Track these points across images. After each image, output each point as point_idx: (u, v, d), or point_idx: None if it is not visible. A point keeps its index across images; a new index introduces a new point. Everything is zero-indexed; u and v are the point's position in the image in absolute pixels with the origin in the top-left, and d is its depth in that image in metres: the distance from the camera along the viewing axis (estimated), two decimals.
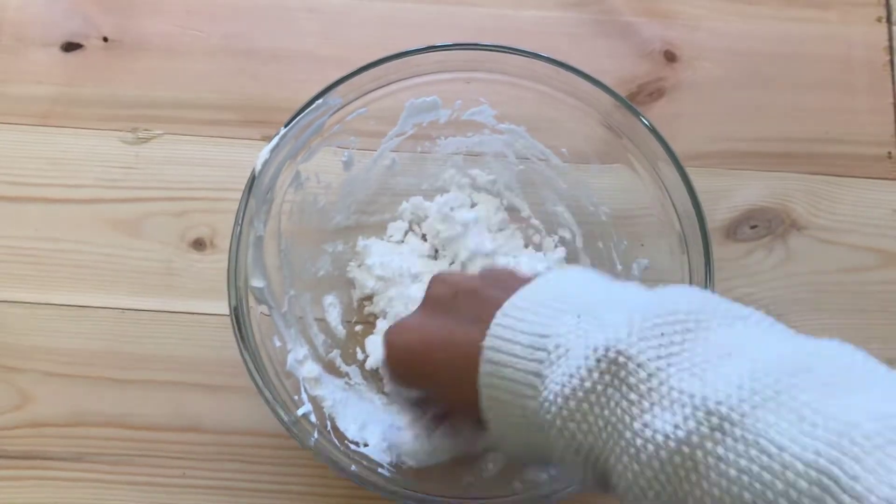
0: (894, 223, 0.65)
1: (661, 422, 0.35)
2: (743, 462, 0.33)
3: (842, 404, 0.33)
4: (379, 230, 0.63)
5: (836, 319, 0.62)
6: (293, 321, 0.58)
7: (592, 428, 0.38)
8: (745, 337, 0.37)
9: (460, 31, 0.68)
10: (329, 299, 0.60)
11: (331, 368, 0.59)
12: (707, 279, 0.53)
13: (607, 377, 0.37)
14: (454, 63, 0.57)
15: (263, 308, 0.55)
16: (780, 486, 0.32)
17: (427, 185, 0.63)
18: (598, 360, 0.37)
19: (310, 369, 0.56)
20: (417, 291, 0.60)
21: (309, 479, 0.58)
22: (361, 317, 0.61)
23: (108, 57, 0.68)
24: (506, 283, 0.45)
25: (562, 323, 0.40)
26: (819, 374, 0.35)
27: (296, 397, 0.54)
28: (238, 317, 0.52)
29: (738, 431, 0.33)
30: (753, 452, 0.33)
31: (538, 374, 0.40)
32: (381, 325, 0.60)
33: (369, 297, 0.61)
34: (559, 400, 0.38)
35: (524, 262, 0.61)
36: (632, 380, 0.36)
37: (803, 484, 0.32)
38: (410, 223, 0.63)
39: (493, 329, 0.42)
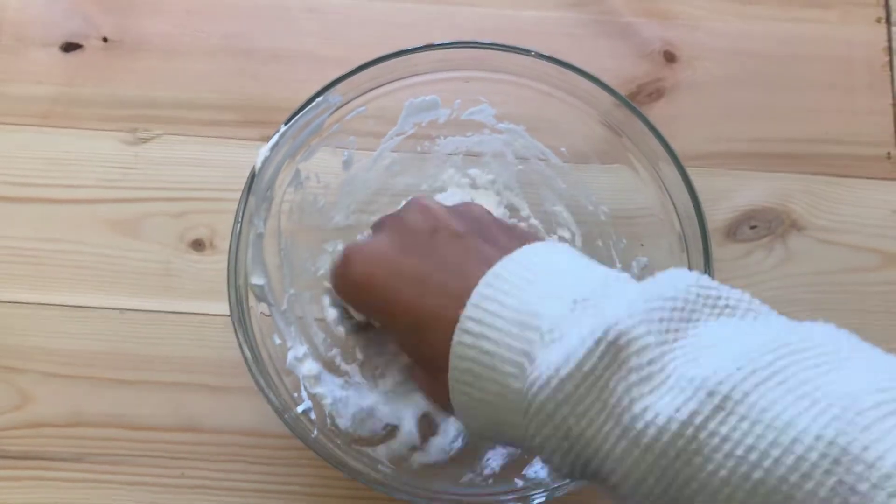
0: (894, 223, 0.65)
1: (663, 403, 0.34)
2: (749, 440, 0.33)
3: (839, 380, 0.33)
4: None
5: (836, 320, 0.60)
6: (293, 319, 0.58)
7: (588, 412, 0.37)
8: (733, 327, 0.37)
9: (460, 32, 0.68)
10: (329, 298, 0.60)
11: (330, 367, 0.59)
12: None
13: (607, 358, 0.36)
14: (453, 62, 0.57)
15: (263, 307, 0.55)
16: (790, 460, 0.32)
17: (426, 184, 0.63)
18: (598, 342, 0.36)
19: (309, 367, 0.56)
20: None
21: (309, 478, 0.58)
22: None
23: (108, 57, 0.68)
24: (494, 237, 0.44)
25: (556, 304, 0.39)
26: (811, 354, 0.35)
27: (295, 395, 0.55)
28: (238, 314, 0.52)
29: (741, 409, 0.33)
30: (759, 429, 0.33)
31: (527, 354, 0.38)
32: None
33: None
34: (553, 383, 0.37)
35: None
36: (634, 361, 0.36)
37: (814, 456, 0.32)
38: None
39: (477, 296, 0.40)
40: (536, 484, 0.53)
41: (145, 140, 0.65)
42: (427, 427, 0.58)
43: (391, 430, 0.58)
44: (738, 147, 0.66)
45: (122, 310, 0.61)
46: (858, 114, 0.67)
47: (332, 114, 0.57)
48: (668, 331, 0.36)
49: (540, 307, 0.39)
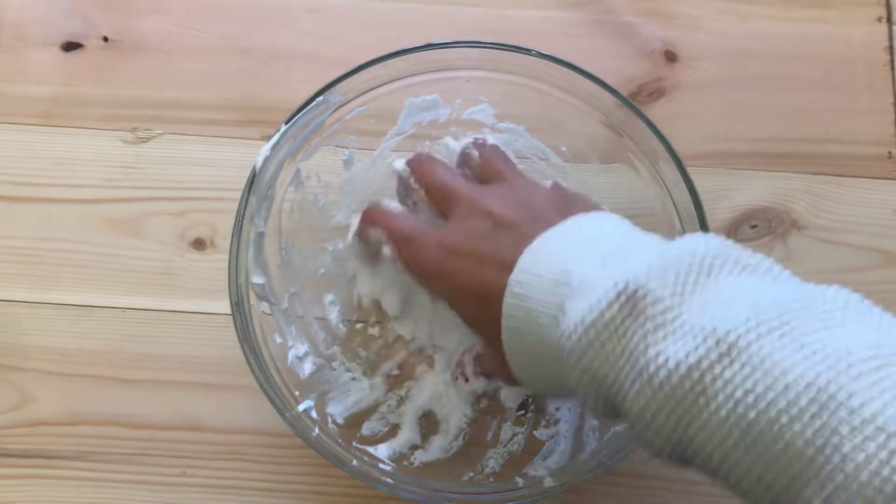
0: (895, 223, 0.65)
1: (674, 349, 0.38)
2: (748, 383, 0.36)
3: (839, 335, 0.36)
4: None
5: None
6: (294, 318, 0.58)
7: (609, 356, 0.40)
8: (751, 283, 0.40)
9: (460, 31, 0.68)
10: (329, 297, 0.60)
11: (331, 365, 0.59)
12: None
13: (626, 308, 0.40)
14: (454, 62, 0.57)
15: (264, 306, 0.55)
16: (782, 403, 0.35)
17: None
18: (619, 294, 0.40)
19: (310, 366, 0.56)
20: None
21: (310, 477, 0.58)
22: (362, 315, 0.61)
23: (108, 57, 0.68)
24: (546, 218, 0.47)
25: (586, 263, 0.43)
26: (817, 311, 0.38)
27: (296, 393, 0.55)
28: (239, 313, 0.52)
29: (744, 356, 0.36)
30: (758, 375, 0.36)
31: (560, 308, 0.42)
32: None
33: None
34: (579, 329, 0.41)
35: None
36: (649, 311, 0.39)
37: (804, 401, 0.35)
38: None
39: (521, 262, 0.45)
40: (537, 483, 0.53)
41: (146, 139, 0.65)
42: (428, 425, 0.58)
43: (392, 429, 0.58)
44: (739, 146, 0.66)
45: (122, 309, 0.61)
46: (859, 113, 0.67)
47: (332, 113, 0.57)
48: (685, 283, 0.39)
49: (573, 266, 0.43)
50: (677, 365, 0.37)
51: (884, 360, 0.35)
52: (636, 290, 0.40)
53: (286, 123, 0.55)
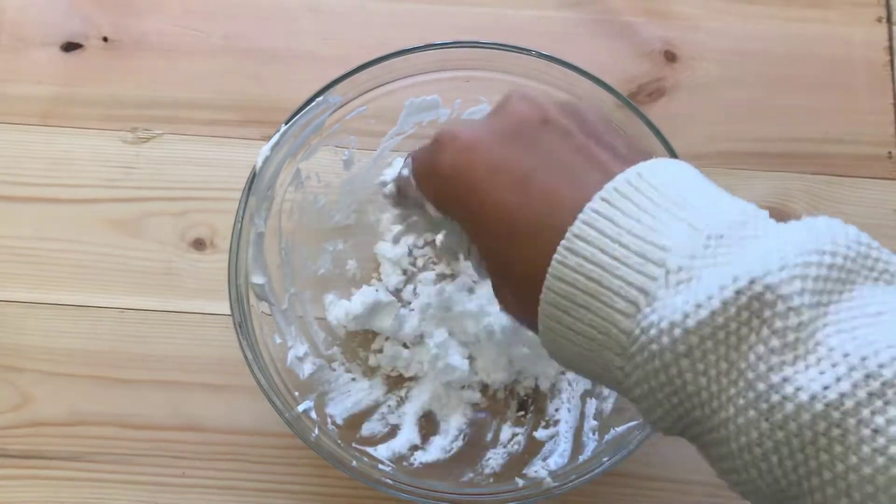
0: (895, 223, 0.65)
1: (808, 379, 0.30)
2: None
3: None
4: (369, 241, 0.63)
5: None
6: (293, 319, 0.58)
7: (710, 370, 0.32)
8: (894, 298, 0.32)
9: (460, 31, 0.68)
10: (329, 297, 0.60)
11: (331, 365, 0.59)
12: None
13: (745, 314, 0.31)
14: (454, 62, 0.57)
15: (264, 306, 0.55)
16: None
17: None
18: (738, 293, 0.31)
19: (310, 367, 0.56)
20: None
21: (310, 478, 0.58)
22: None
23: (108, 57, 0.68)
24: (609, 142, 0.37)
25: (687, 238, 0.33)
26: None
27: (296, 394, 0.55)
28: (238, 313, 0.52)
29: None
30: None
31: (644, 291, 0.33)
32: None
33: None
34: (676, 332, 0.32)
35: None
36: (778, 324, 0.31)
37: None
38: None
39: (591, 212, 0.34)
40: (537, 484, 0.53)
41: (146, 140, 0.65)
42: (428, 426, 0.58)
43: (392, 430, 0.58)
44: (739, 147, 0.66)
45: (122, 309, 0.61)
46: (859, 113, 0.67)
47: (332, 113, 0.57)
48: (824, 291, 0.31)
49: (667, 238, 0.33)
50: (811, 399, 0.29)
51: None
52: (763, 292, 0.31)
53: (286, 123, 0.55)
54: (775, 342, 0.31)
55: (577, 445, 0.56)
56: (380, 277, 0.61)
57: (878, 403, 0.29)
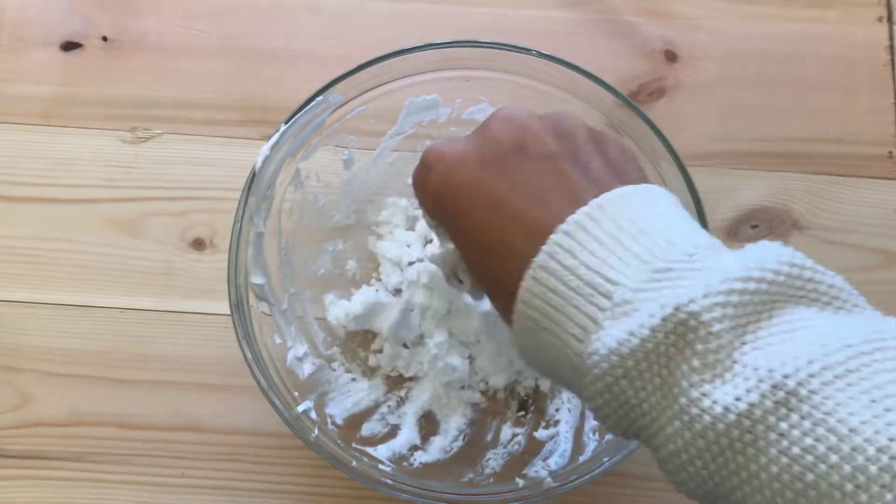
0: (895, 223, 0.65)
1: (722, 393, 0.33)
2: (808, 440, 0.31)
3: None
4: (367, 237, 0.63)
5: None
6: (293, 319, 0.58)
7: (646, 386, 0.35)
8: (817, 315, 0.35)
9: (460, 31, 0.68)
10: (329, 297, 0.60)
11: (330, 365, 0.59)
12: None
13: (672, 338, 0.34)
14: (454, 61, 0.57)
15: (263, 306, 0.55)
16: (847, 469, 0.30)
17: None
18: (665, 319, 0.34)
19: (310, 367, 0.56)
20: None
21: (309, 478, 0.58)
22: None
23: (108, 57, 0.68)
24: (587, 162, 0.40)
25: (634, 272, 0.36)
26: (892, 356, 0.32)
27: (296, 394, 0.54)
28: (238, 313, 0.52)
29: (805, 408, 0.31)
30: (821, 431, 0.31)
31: (594, 320, 0.37)
32: None
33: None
34: (613, 358, 0.36)
35: None
36: (699, 346, 0.34)
37: (873, 469, 0.30)
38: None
39: (554, 245, 0.38)
40: (537, 484, 0.53)
41: (145, 139, 0.65)
42: (428, 426, 0.58)
43: (392, 430, 0.58)
44: (740, 146, 0.66)
45: (122, 309, 0.61)
46: (860, 113, 0.67)
47: (332, 113, 0.57)
48: (744, 314, 0.34)
49: (617, 272, 0.37)
50: (725, 412, 0.33)
51: None
52: (687, 319, 0.34)
53: (286, 123, 0.55)
54: (696, 363, 0.34)
55: (578, 445, 0.56)
56: (379, 277, 0.61)
57: (783, 411, 0.32)
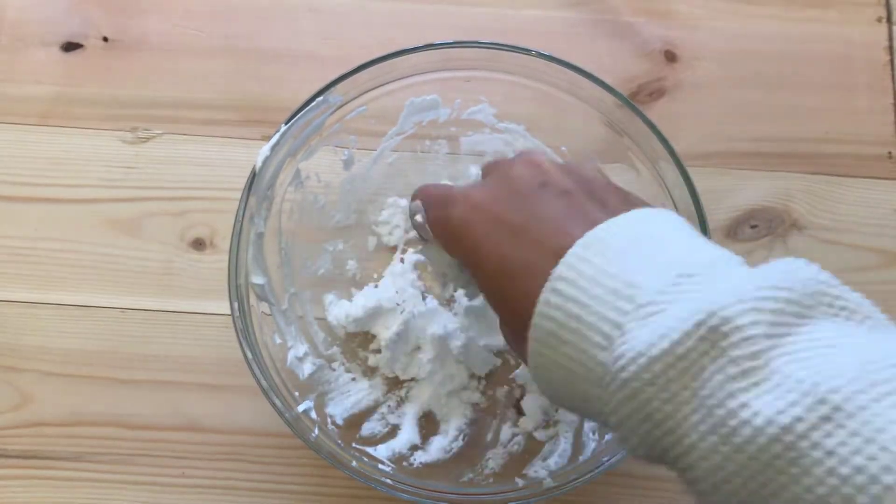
0: (895, 223, 0.65)
1: (763, 404, 0.31)
2: (858, 459, 0.29)
3: None
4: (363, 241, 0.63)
5: None
6: (293, 319, 0.58)
7: (675, 398, 0.33)
8: (850, 332, 0.33)
9: (460, 31, 0.68)
10: (329, 298, 0.60)
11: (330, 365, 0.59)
12: None
13: (705, 345, 0.33)
14: (454, 62, 0.57)
15: (264, 306, 0.55)
16: None
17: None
18: (698, 325, 0.33)
19: (310, 367, 0.56)
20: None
21: (309, 478, 0.58)
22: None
23: (108, 57, 0.68)
24: (603, 198, 0.41)
25: (656, 277, 0.36)
26: None
27: (296, 394, 0.54)
28: (238, 313, 0.52)
29: (853, 424, 0.30)
30: (871, 449, 0.29)
31: (618, 326, 0.35)
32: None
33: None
34: (641, 360, 0.34)
35: None
36: (734, 353, 0.32)
37: None
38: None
39: (573, 256, 0.37)
40: (537, 484, 0.53)
41: (146, 139, 0.65)
42: (428, 426, 0.58)
43: (392, 430, 0.58)
44: (739, 146, 0.66)
45: (122, 309, 0.61)
46: (859, 113, 0.67)
47: (332, 113, 0.57)
48: (778, 324, 0.33)
49: (639, 276, 0.36)
50: (767, 423, 0.31)
51: None
52: (721, 324, 0.33)
53: (286, 123, 0.55)
54: (732, 370, 0.32)
55: (577, 445, 0.56)
56: (378, 283, 0.61)
57: (829, 427, 0.30)
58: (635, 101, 0.65)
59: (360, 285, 0.61)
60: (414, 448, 0.57)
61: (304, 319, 0.59)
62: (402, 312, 0.58)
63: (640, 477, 0.58)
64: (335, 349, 0.60)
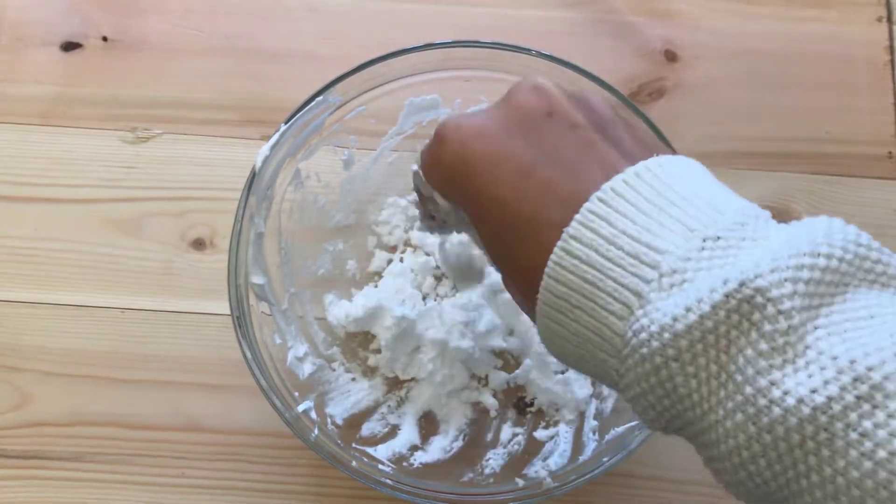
0: (895, 223, 0.65)
1: (796, 382, 0.29)
2: None
3: None
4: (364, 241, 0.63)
5: None
6: (293, 319, 0.58)
7: (700, 373, 0.31)
8: (890, 299, 0.31)
9: (460, 31, 0.68)
10: (329, 297, 0.60)
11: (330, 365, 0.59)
12: None
13: (735, 317, 0.31)
14: (454, 61, 0.57)
15: (264, 306, 0.55)
16: None
17: None
18: (728, 296, 0.31)
19: (310, 367, 0.56)
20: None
21: (309, 478, 0.58)
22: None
23: (108, 57, 0.68)
24: (616, 135, 0.37)
25: (682, 239, 0.33)
26: None
27: (296, 394, 0.54)
28: (238, 313, 0.52)
29: (893, 405, 0.28)
30: None
31: (637, 293, 0.33)
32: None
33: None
34: (666, 335, 0.31)
35: None
36: (767, 327, 0.30)
37: None
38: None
39: (588, 214, 0.34)
40: (537, 484, 0.53)
41: (146, 139, 0.65)
42: (428, 426, 0.58)
43: (392, 430, 0.58)
44: (739, 146, 0.66)
45: (122, 309, 0.61)
46: (859, 113, 0.67)
47: (332, 113, 0.57)
48: (814, 294, 0.30)
49: (662, 240, 0.33)
50: (798, 403, 0.29)
51: None
52: (753, 296, 0.30)
53: (286, 123, 0.55)
54: (764, 346, 0.30)
55: (577, 446, 0.56)
56: (377, 283, 0.61)
57: (866, 407, 0.28)
58: (636, 101, 0.65)
59: (360, 285, 0.61)
60: (414, 448, 0.57)
61: (304, 319, 0.59)
62: (401, 314, 0.58)
63: (640, 477, 0.58)
64: (335, 349, 0.60)
